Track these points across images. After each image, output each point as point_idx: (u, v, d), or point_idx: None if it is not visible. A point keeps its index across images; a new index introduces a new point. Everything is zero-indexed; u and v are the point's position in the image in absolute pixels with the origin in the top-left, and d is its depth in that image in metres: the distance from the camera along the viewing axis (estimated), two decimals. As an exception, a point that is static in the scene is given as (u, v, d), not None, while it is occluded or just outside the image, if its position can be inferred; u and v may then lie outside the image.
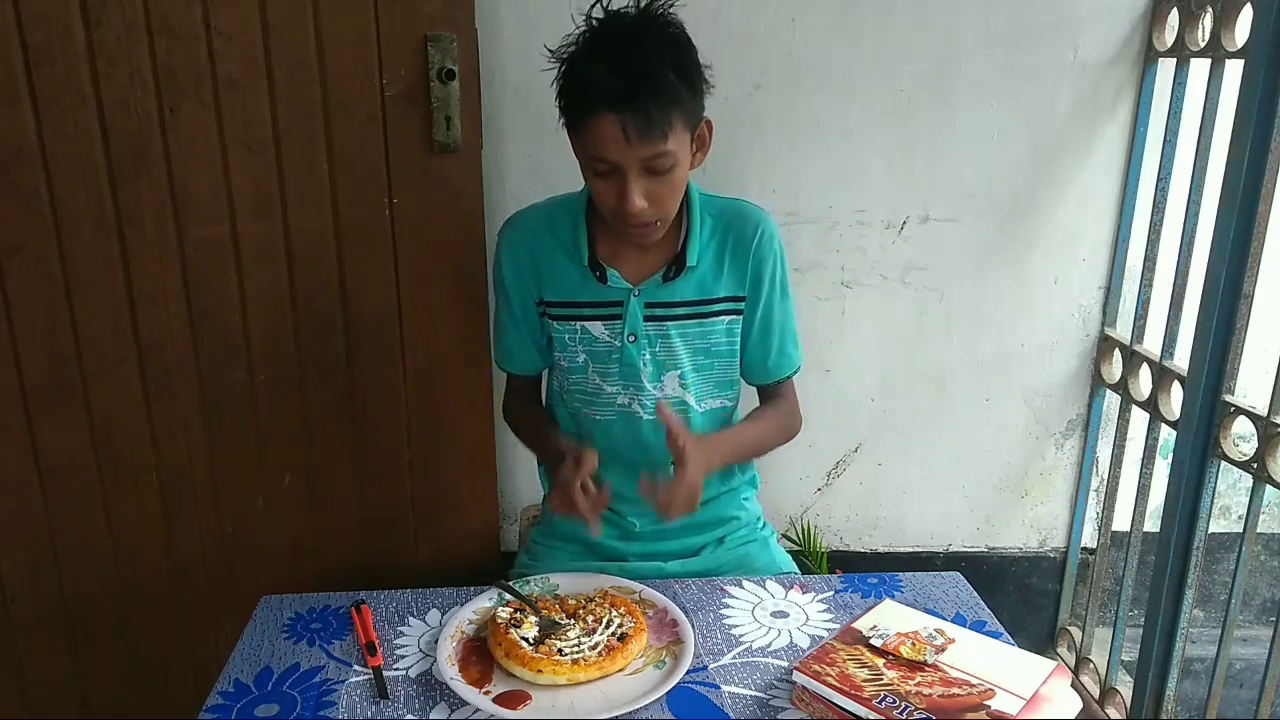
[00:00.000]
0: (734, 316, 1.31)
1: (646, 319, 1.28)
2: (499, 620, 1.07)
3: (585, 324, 1.29)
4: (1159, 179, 1.80)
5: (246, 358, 1.69)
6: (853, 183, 1.85)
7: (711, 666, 1.06)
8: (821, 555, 1.98)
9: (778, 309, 1.32)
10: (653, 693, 0.99)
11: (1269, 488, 1.51)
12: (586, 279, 1.28)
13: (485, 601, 1.15)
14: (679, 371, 1.30)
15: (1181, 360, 1.69)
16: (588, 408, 1.33)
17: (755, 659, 1.08)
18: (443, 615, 1.15)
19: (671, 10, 1.15)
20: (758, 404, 1.41)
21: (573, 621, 1.08)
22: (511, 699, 0.98)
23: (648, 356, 1.28)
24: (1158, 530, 1.68)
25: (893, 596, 1.19)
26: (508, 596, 1.14)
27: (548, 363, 1.40)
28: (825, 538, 2.05)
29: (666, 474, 1.15)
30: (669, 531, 1.37)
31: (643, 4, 1.15)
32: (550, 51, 1.17)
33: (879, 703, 0.92)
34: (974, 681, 0.95)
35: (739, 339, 1.33)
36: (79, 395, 1.67)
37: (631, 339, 1.28)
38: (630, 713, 0.97)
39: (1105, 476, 2.00)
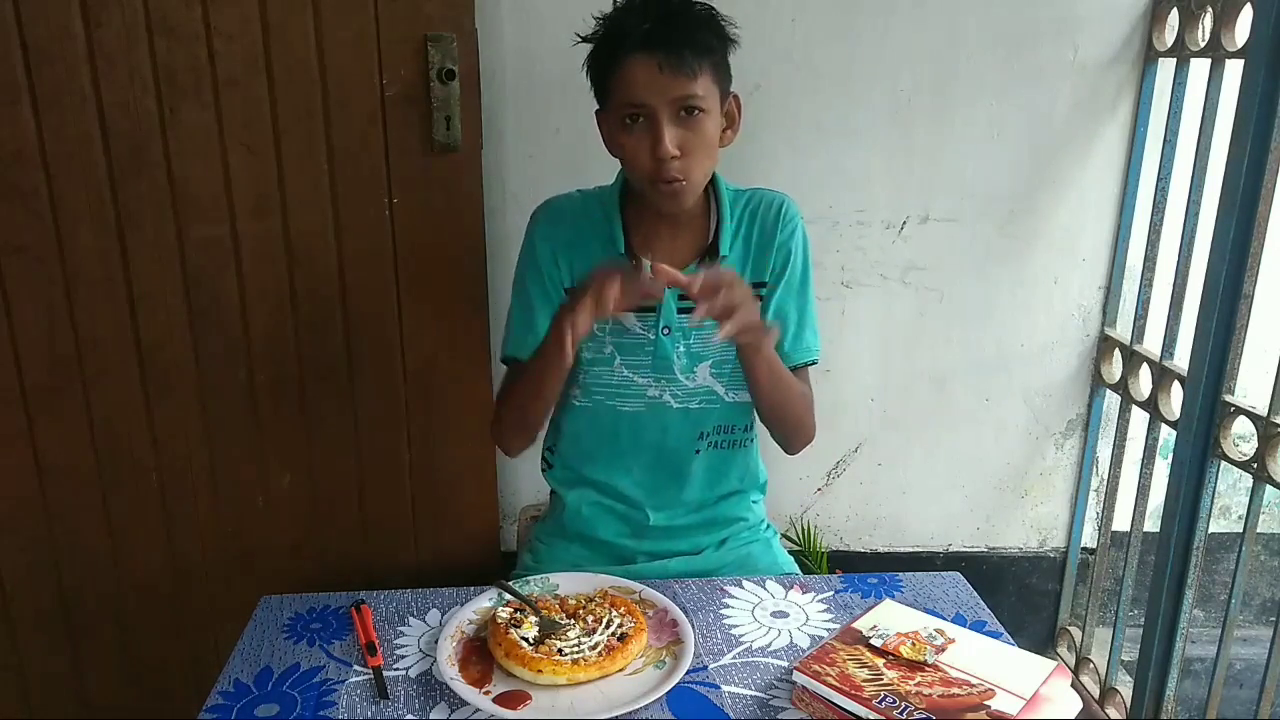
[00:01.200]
0: (756, 303, 1.30)
1: (680, 311, 1.27)
2: (499, 620, 1.07)
3: (618, 314, 1.28)
4: (1159, 179, 1.80)
5: (246, 358, 1.69)
6: (853, 183, 1.85)
7: (711, 666, 1.06)
8: (821, 555, 1.98)
9: (796, 293, 1.31)
10: (653, 693, 0.99)
11: (1269, 488, 1.51)
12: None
13: (485, 601, 1.15)
14: (710, 361, 1.29)
15: (1181, 360, 1.69)
16: (612, 399, 1.31)
17: (755, 659, 1.08)
18: (443, 615, 1.15)
19: None
20: None
21: (573, 621, 1.08)
22: (511, 699, 0.98)
23: (682, 349, 1.28)
24: (1158, 530, 1.67)
25: (893, 596, 1.19)
26: (508, 596, 1.14)
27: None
28: (825, 538, 2.05)
29: None
30: (678, 530, 1.36)
31: None
32: (581, 37, 1.20)
33: (879, 703, 0.92)
34: (974, 681, 0.95)
35: None
36: (79, 395, 1.67)
37: (666, 331, 1.27)
38: (630, 713, 0.97)
39: (1105, 476, 2.00)
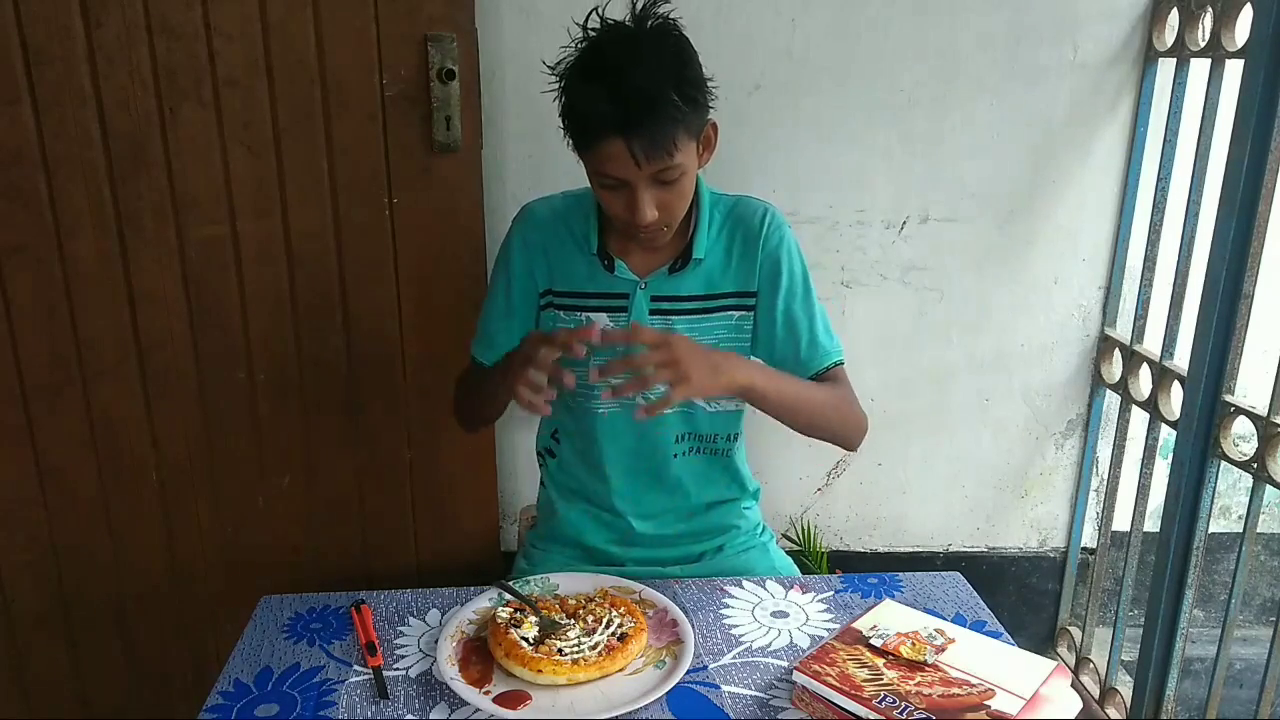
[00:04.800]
0: (743, 312, 1.29)
1: (652, 312, 1.27)
2: (499, 620, 1.07)
3: (590, 315, 1.29)
4: (1159, 179, 1.80)
5: (246, 358, 1.69)
6: (853, 183, 1.85)
7: (711, 666, 1.06)
8: (821, 555, 1.98)
9: (800, 301, 1.29)
10: (653, 693, 0.99)
11: (1269, 488, 1.51)
12: (594, 269, 1.28)
13: (485, 601, 1.15)
14: None
15: (1181, 360, 1.69)
16: (589, 401, 1.32)
17: (755, 659, 1.08)
18: (443, 615, 1.15)
19: (671, 18, 1.14)
20: None
21: (573, 621, 1.08)
22: (511, 699, 0.98)
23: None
24: (1158, 530, 1.68)
25: (893, 596, 1.19)
26: (508, 596, 1.14)
27: None
28: (825, 538, 2.05)
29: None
30: (668, 538, 1.36)
31: (639, 8, 1.13)
32: (549, 68, 1.16)
33: (879, 703, 0.92)
34: (974, 681, 0.95)
35: (749, 337, 1.31)
36: (79, 395, 1.67)
37: None
38: (630, 713, 0.97)
39: (1105, 476, 2.00)
